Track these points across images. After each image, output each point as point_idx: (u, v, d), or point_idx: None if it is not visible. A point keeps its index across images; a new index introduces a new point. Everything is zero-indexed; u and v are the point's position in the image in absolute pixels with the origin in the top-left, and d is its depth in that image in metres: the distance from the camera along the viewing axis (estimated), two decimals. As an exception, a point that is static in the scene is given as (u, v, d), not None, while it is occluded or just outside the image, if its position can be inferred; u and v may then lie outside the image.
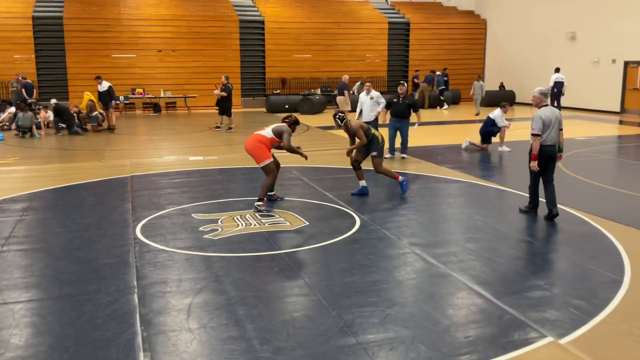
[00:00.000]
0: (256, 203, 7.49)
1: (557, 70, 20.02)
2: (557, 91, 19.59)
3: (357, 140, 8.33)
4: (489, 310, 4.56)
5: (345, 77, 18.56)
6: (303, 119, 19.54)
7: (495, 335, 4.13)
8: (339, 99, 18.19)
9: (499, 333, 4.17)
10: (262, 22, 24.79)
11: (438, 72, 24.15)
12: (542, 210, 7.29)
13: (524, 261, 5.86)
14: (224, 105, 16.43)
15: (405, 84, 11.61)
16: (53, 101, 16.48)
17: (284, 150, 7.90)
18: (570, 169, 10.50)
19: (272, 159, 7.68)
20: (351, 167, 8.63)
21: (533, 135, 7.03)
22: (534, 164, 7.09)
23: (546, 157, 7.12)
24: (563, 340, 4.05)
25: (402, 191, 8.44)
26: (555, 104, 19.66)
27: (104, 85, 16.42)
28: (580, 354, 3.87)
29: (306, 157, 8.10)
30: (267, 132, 7.70)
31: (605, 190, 8.99)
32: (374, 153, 8.35)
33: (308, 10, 26.37)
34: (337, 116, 8.25)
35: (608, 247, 6.12)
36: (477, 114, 20.38)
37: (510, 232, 6.74)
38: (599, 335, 4.16)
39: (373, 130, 8.42)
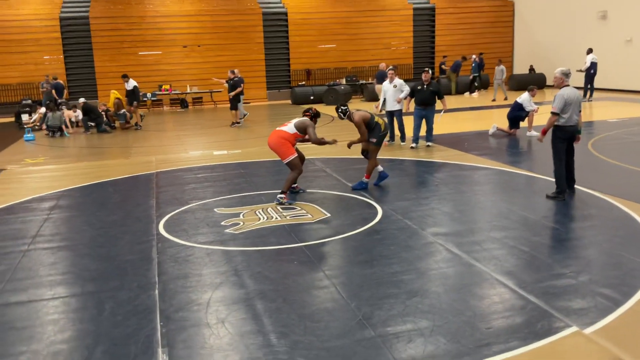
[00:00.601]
0: (279, 195, 7.49)
1: (590, 51, 19.43)
2: (593, 72, 19.04)
3: (359, 136, 8.16)
4: (512, 300, 4.45)
5: (382, 65, 18.40)
6: (328, 109, 19.47)
7: (517, 326, 4.02)
8: (377, 87, 18.06)
9: (521, 324, 4.06)
10: (285, 14, 24.72)
11: (474, 56, 23.61)
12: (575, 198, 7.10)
13: (551, 249, 5.70)
14: (232, 100, 16.26)
15: (430, 71, 11.41)
16: (82, 100, 16.76)
17: (309, 143, 7.87)
18: (601, 152, 10.20)
19: (296, 154, 7.65)
20: (362, 156, 8.52)
21: (552, 113, 7.12)
22: (542, 137, 7.38)
23: (569, 137, 7.20)
24: (588, 330, 3.92)
25: (354, 186, 8.21)
26: (589, 86, 19.13)
27: (130, 85, 16.60)
28: (605, 343, 3.74)
29: (335, 142, 8.03)
30: (290, 127, 7.65)
31: (637, 173, 8.70)
32: (373, 140, 8.17)
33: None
34: (340, 109, 8.13)
35: (638, 232, 5.92)
36: (503, 99, 19.97)
37: (537, 219, 6.56)
38: (626, 324, 4.02)
39: (377, 118, 8.26)
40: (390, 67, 12.42)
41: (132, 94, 16.54)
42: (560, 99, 7.04)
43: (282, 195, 7.47)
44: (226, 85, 16.74)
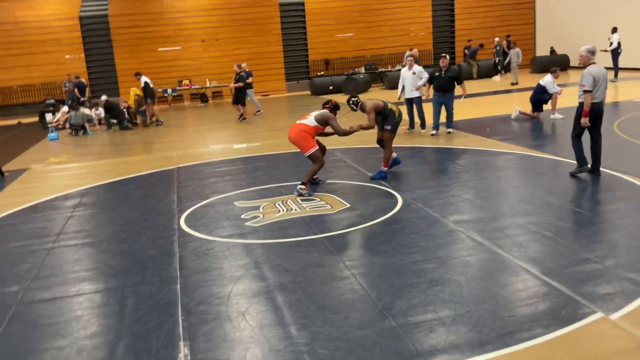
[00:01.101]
0: (299, 186, 7.47)
1: (615, 30, 18.93)
2: (620, 51, 18.59)
3: (367, 122, 8.03)
4: (536, 287, 4.37)
5: (415, 51, 18.23)
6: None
7: (541, 313, 3.95)
8: None
9: (545, 311, 3.98)
10: (302, 4, 24.60)
11: (496, 39, 23.19)
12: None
13: (575, 233, 5.59)
14: (238, 95, 15.90)
15: (448, 56, 11.25)
16: (104, 98, 16.94)
17: (330, 136, 7.85)
18: (627, 133, 9.96)
19: (317, 147, 7.61)
20: (377, 145, 8.44)
21: (584, 91, 7.01)
22: (585, 120, 7.11)
23: (594, 114, 7.15)
24: (614, 316, 3.84)
25: (373, 176, 8.11)
26: (613, 66, 18.67)
27: (142, 81, 16.69)
28: (632, 329, 3.66)
29: (360, 126, 7.94)
30: (310, 120, 7.61)
31: (665, 153, 8.47)
32: (388, 127, 8.09)
33: (348, -13, 25.95)
34: (351, 102, 8.04)
35: (667, 214, 5.77)
36: (514, 83, 19.59)
37: (562, 204, 6.44)
38: (654, 309, 3.91)
39: (391, 105, 8.17)
40: (408, 52, 12.26)
41: (144, 91, 16.63)
42: (588, 75, 7.01)
43: (302, 187, 7.45)
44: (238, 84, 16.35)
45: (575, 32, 23.66)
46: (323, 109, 7.84)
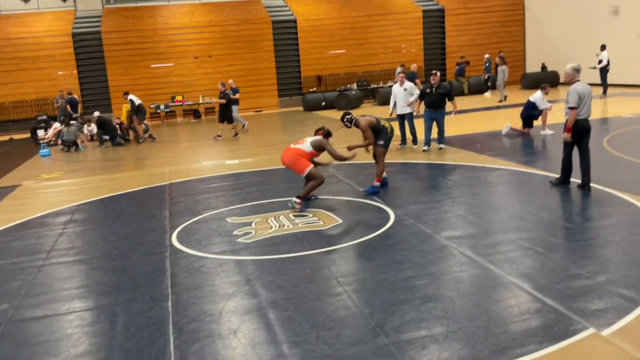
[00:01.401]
0: (294, 199, 7.49)
1: (604, 47, 19.11)
2: (609, 68, 18.80)
3: (364, 140, 8.15)
4: (528, 303, 4.38)
5: (414, 66, 18.50)
6: (340, 115, 19.48)
7: (533, 329, 3.95)
8: None
9: (537, 327, 3.99)
10: (295, 21, 24.80)
11: (486, 56, 23.41)
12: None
13: (567, 249, 5.61)
14: (223, 112, 15.68)
15: (438, 73, 11.35)
16: (96, 114, 16.92)
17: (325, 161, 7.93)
18: (616, 148, 10.05)
19: (312, 165, 7.63)
20: (374, 160, 8.50)
21: (570, 108, 7.22)
22: (567, 136, 7.35)
23: (581, 130, 7.36)
24: (606, 332, 3.85)
25: (366, 190, 8.19)
26: (602, 82, 18.86)
27: (129, 100, 16.65)
28: (624, 345, 3.67)
29: (363, 145, 8.09)
30: (306, 146, 7.63)
31: (654, 169, 8.55)
32: (380, 142, 8.22)
33: (339, 5, 26.20)
34: (345, 119, 8.16)
35: (657, 229, 5.81)
36: (501, 100, 19.68)
37: (553, 219, 6.48)
38: (646, 325, 3.93)
39: (383, 122, 8.29)
40: (400, 69, 12.38)
41: (132, 109, 16.57)
42: (574, 93, 7.21)
43: (297, 200, 7.45)
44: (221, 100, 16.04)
45: (565, 49, 23.96)
46: (315, 135, 7.87)
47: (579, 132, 7.32)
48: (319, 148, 7.66)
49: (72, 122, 16.56)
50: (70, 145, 15.49)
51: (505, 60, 21.47)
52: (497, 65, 22.49)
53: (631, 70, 21.02)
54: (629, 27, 21.17)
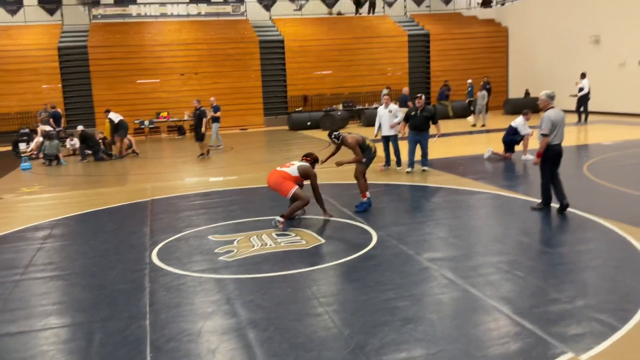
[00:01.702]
0: (277, 218, 7.47)
1: (584, 75, 19.51)
2: (589, 97, 19.13)
3: (354, 156, 8.29)
4: (507, 327, 4.39)
5: (405, 89, 18.73)
6: (325, 135, 19.56)
7: (512, 353, 3.96)
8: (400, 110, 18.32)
9: (516, 350, 4.00)
10: (282, 42, 25.00)
11: (469, 81, 23.72)
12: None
13: (546, 273, 5.65)
14: (198, 131, 15.24)
15: (423, 97, 11.49)
16: (80, 127, 16.80)
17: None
18: (596, 175, 10.20)
19: (297, 187, 7.67)
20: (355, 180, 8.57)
21: (542, 135, 7.48)
22: (538, 160, 7.61)
23: (555, 154, 7.61)
24: (584, 356, 3.87)
25: (358, 208, 8.30)
26: (581, 109, 19.17)
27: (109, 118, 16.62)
28: (601, 371, 3.69)
29: (353, 161, 8.23)
30: (292, 170, 7.72)
31: (632, 196, 8.69)
32: (363, 160, 8.39)
33: (327, 27, 26.51)
34: (333, 135, 8.34)
35: (634, 256, 5.88)
36: (483, 125, 19.89)
37: (533, 243, 6.54)
38: (622, 350, 3.96)
39: (368, 142, 8.50)
40: (385, 91, 12.50)
41: (113, 127, 16.52)
42: (547, 120, 7.45)
43: (280, 220, 7.44)
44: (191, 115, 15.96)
45: (547, 76, 24.43)
46: (302, 160, 7.94)
47: (553, 156, 7.58)
48: (304, 175, 7.73)
49: (55, 135, 16.44)
50: (52, 159, 15.34)
51: (488, 86, 21.78)
52: (472, 90, 22.89)
53: (611, 98, 21.46)
54: (609, 56, 21.66)
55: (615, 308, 4.62)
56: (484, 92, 20.48)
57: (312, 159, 8.04)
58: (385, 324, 4.50)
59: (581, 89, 18.98)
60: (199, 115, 15.31)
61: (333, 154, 8.85)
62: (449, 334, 4.31)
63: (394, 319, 4.59)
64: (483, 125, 19.86)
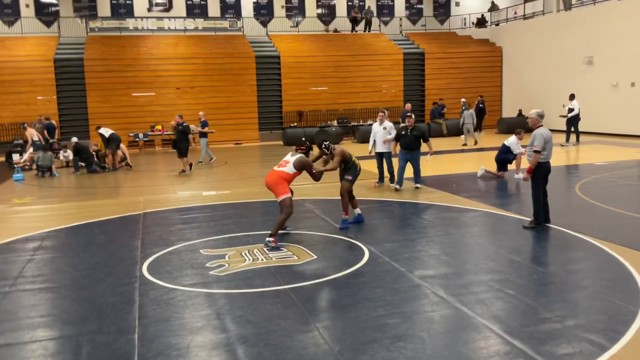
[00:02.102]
0: (267, 239, 7.41)
1: (573, 96, 19.46)
2: (580, 118, 19.08)
3: (332, 163, 8.38)
4: (497, 346, 4.39)
5: (408, 106, 18.95)
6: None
7: (501, 372, 3.95)
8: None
9: (506, 370, 3.99)
10: (278, 57, 25.13)
11: (463, 100, 23.85)
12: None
13: (537, 292, 5.65)
14: (180, 146, 14.85)
15: (413, 115, 11.56)
16: (74, 139, 16.77)
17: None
18: (588, 195, 10.25)
19: (290, 195, 7.66)
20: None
21: (535, 151, 7.66)
22: (528, 176, 7.85)
23: (546, 172, 7.86)
24: (573, 377, 3.86)
25: (341, 226, 8.33)
26: (572, 130, 19.06)
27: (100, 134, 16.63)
28: (590, 391, 3.68)
29: (329, 169, 8.27)
30: (289, 168, 7.69)
31: (623, 216, 8.73)
32: (349, 177, 8.47)
33: (323, 44, 26.70)
34: (323, 145, 8.43)
35: (625, 276, 5.90)
36: (474, 143, 19.88)
37: (524, 262, 6.54)
38: (612, 370, 3.96)
39: (354, 158, 8.61)
40: (381, 110, 12.57)
41: (104, 141, 16.52)
42: (540, 137, 7.65)
43: (271, 239, 7.38)
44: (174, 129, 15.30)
45: (540, 96, 24.65)
46: (297, 151, 7.96)
47: (543, 173, 7.82)
48: (301, 168, 7.72)
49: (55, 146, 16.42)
50: (45, 170, 15.28)
51: (482, 105, 21.90)
52: (478, 108, 23.06)
53: (604, 119, 21.65)
54: (602, 77, 21.89)
55: (606, 328, 4.62)
56: (472, 112, 20.55)
57: (306, 147, 8.05)
58: (375, 341, 4.48)
59: (571, 110, 18.92)
60: (182, 130, 14.86)
61: (316, 159, 8.68)
62: (439, 352, 4.29)
63: (384, 336, 4.58)
64: (475, 143, 19.93)
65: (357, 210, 8.61)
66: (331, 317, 5.06)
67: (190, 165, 15.16)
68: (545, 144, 7.66)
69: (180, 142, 14.89)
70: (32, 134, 17.00)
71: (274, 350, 4.40)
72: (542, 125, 7.83)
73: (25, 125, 18.21)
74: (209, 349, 4.46)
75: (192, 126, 16.93)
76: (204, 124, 16.67)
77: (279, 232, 7.80)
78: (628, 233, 7.63)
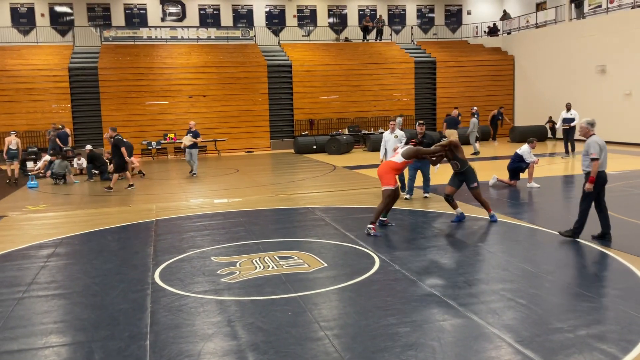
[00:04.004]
0: (368, 226, 8.08)
1: (571, 106, 18.17)
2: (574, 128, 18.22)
3: (439, 146, 8.96)
4: (509, 355, 4.36)
5: (455, 112, 19.44)
6: (330, 159, 19.66)
7: (513, 382, 3.93)
8: (447, 132, 19.00)
9: (517, 379, 3.97)
10: (290, 66, 25.27)
11: (475, 108, 23.74)
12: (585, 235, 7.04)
13: (549, 302, 5.62)
14: (117, 161, 14.04)
15: (424, 124, 11.56)
16: (88, 147, 16.94)
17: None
18: (601, 205, 10.16)
19: (395, 187, 8.42)
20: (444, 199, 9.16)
21: (593, 159, 7.34)
22: (590, 186, 7.38)
23: (602, 182, 7.50)
24: (585, 387, 3.83)
25: (492, 219, 9.06)
26: (569, 140, 18.32)
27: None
28: (603, 402, 3.65)
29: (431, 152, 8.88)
30: (398, 157, 8.56)
31: (636, 225, 8.66)
32: (474, 185, 9.01)
33: (334, 53, 26.81)
34: (424, 142, 9.39)
35: (638, 285, 5.85)
36: (476, 153, 19.57)
37: (536, 272, 6.50)
38: (625, 381, 3.92)
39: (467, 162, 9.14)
40: (394, 118, 12.59)
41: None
42: (595, 144, 7.40)
43: (371, 226, 8.10)
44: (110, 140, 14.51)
45: (552, 105, 24.50)
46: (408, 143, 8.96)
47: (599, 184, 7.49)
48: (408, 156, 8.52)
49: (62, 154, 16.55)
50: (59, 177, 15.44)
51: (500, 117, 21.83)
52: (497, 118, 23.05)
53: (617, 128, 21.49)
54: (615, 86, 21.76)
55: (618, 338, 4.58)
56: (475, 120, 20.34)
57: (417, 142, 8.88)
58: (385, 350, 4.47)
59: (572, 120, 17.66)
60: (114, 144, 13.92)
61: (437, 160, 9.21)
62: (450, 361, 4.28)
63: (395, 344, 4.57)
64: (476, 153, 19.58)
65: (459, 210, 9.14)
66: (341, 326, 5.06)
67: (137, 172, 14.29)
68: (601, 152, 7.40)
69: (114, 156, 14.07)
70: (10, 142, 16.61)
71: (284, 357, 4.41)
72: (594, 134, 7.57)
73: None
74: (219, 356, 4.48)
75: (186, 137, 16.32)
76: (196, 134, 16.13)
77: (382, 223, 8.64)
78: (641, 243, 7.56)
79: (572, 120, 17.65)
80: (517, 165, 12.69)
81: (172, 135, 22.86)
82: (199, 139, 16.46)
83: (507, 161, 13.19)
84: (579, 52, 23.38)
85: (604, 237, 7.60)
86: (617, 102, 21.61)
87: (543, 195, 11.62)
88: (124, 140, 15.60)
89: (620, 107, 21.49)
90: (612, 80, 21.96)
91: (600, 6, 23.80)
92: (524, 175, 12.74)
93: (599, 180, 7.45)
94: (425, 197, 11.33)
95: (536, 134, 21.39)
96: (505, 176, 12.89)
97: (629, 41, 21.14)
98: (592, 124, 7.64)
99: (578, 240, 7.61)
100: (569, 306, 5.41)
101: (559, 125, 18.18)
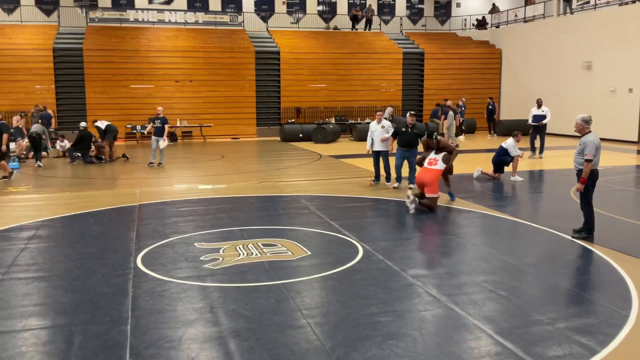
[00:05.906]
0: (409, 193, 9.20)
1: (542, 102, 17.63)
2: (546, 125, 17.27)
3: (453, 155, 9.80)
4: (488, 346, 4.41)
5: (449, 102, 19.52)
6: (316, 147, 19.62)
7: (492, 372, 3.97)
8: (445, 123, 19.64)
9: (496, 370, 4.01)
10: (278, 53, 25.10)
11: (462, 99, 23.83)
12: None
13: (529, 294, 5.68)
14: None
15: (415, 114, 11.57)
16: (83, 124, 16.55)
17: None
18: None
19: (438, 195, 9.28)
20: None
21: (587, 160, 7.19)
22: (581, 186, 7.32)
23: (595, 179, 7.41)
24: (563, 379, 3.88)
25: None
26: (538, 137, 17.36)
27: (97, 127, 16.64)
28: (579, 393, 3.70)
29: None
30: (440, 165, 9.44)
31: (616, 221, 8.77)
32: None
33: (323, 41, 26.67)
34: (434, 136, 9.88)
35: (616, 280, 5.93)
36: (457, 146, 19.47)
37: (517, 264, 6.56)
38: (601, 373, 3.98)
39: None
40: (382, 108, 12.59)
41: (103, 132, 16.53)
42: (592, 146, 7.21)
43: (411, 196, 9.07)
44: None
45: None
46: (428, 148, 9.86)
47: (594, 181, 7.39)
48: (447, 161, 9.49)
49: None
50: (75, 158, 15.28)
51: (491, 107, 21.93)
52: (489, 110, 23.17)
53: (601, 124, 21.58)
54: (600, 83, 21.93)
55: (597, 331, 4.65)
56: (451, 113, 20.35)
57: (436, 140, 9.73)
58: (367, 339, 4.50)
59: (542, 117, 17.01)
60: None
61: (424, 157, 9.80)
62: (431, 351, 4.31)
63: (376, 333, 4.59)
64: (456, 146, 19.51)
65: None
66: (323, 314, 5.07)
67: (10, 174, 12.94)
68: (597, 151, 7.26)
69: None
70: (22, 146, 16.65)
71: (265, 344, 4.41)
72: (590, 132, 7.36)
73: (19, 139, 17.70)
74: (201, 341, 4.47)
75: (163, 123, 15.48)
76: (164, 121, 15.04)
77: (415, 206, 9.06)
78: (621, 238, 7.66)
79: (543, 117, 16.97)
80: (502, 159, 12.77)
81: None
82: (167, 126, 15.18)
83: (492, 154, 13.26)
84: (566, 48, 23.51)
85: (584, 232, 7.59)
86: (602, 99, 21.79)
87: (526, 189, 11.72)
88: (110, 124, 15.45)
89: (605, 103, 21.68)
90: (597, 77, 22.13)
91: (588, 2, 23.92)
92: (508, 169, 12.83)
93: (593, 178, 7.39)
94: (411, 187, 11.35)
95: (522, 128, 21.44)
96: (489, 169, 12.96)
97: (615, 38, 21.29)
98: (587, 121, 7.40)
99: (560, 235, 7.68)
100: (549, 299, 5.47)
101: (529, 122, 17.37)
